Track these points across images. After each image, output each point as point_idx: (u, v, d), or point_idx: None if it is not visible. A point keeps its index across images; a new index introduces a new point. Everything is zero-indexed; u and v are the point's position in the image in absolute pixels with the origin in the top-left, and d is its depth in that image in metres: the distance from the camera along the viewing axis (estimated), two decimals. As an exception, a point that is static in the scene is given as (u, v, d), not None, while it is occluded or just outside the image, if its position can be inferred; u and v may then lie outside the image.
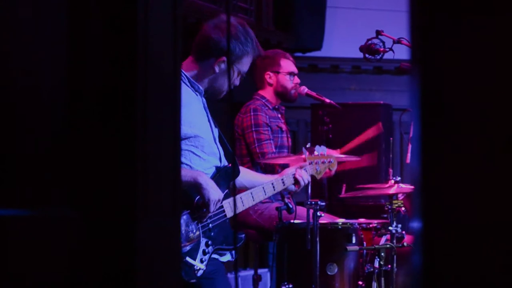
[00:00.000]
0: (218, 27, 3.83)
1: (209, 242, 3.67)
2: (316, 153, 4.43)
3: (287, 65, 5.86)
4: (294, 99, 5.93)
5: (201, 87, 3.82)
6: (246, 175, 4.04)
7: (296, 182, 4.12)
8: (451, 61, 1.71)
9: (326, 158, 4.45)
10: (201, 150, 3.71)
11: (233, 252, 3.82)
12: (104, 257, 2.35)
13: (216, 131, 3.86)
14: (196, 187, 3.60)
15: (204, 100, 3.86)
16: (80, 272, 2.36)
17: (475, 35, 1.70)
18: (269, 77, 5.82)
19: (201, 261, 3.63)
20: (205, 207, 3.61)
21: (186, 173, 3.55)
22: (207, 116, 3.85)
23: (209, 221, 3.68)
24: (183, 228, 3.59)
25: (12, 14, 2.42)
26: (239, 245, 3.87)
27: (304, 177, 4.13)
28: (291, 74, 5.84)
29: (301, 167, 4.23)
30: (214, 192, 3.62)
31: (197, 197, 3.61)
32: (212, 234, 3.68)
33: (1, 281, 2.35)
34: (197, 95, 3.81)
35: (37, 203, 2.40)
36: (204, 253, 3.64)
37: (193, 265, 3.59)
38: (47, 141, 2.41)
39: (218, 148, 3.82)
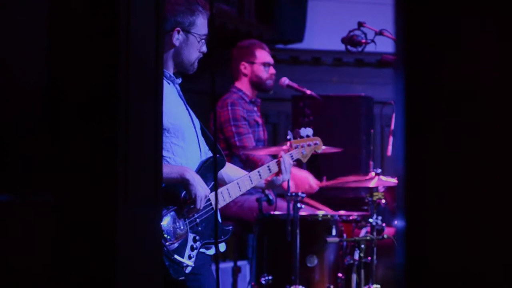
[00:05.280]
0: None
1: (197, 237, 3.63)
2: (301, 135, 4.36)
3: (262, 55, 5.86)
4: (270, 89, 5.93)
5: (168, 73, 3.72)
6: (227, 170, 3.96)
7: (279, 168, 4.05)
8: (436, 57, 1.71)
9: (311, 141, 4.39)
10: (181, 140, 3.65)
11: (219, 245, 3.76)
12: (84, 243, 2.36)
13: (197, 121, 3.81)
14: (183, 183, 3.55)
15: (178, 87, 3.78)
16: (60, 257, 2.37)
17: (461, 31, 1.70)
18: (244, 67, 5.83)
19: (189, 257, 3.59)
20: (193, 204, 3.57)
21: (172, 170, 3.52)
22: (184, 104, 3.78)
23: (196, 216, 3.64)
24: (170, 225, 3.54)
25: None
26: (227, 237, 3.80)
27: (286, 161, 4.05)
28: (266, 64, 5.84)
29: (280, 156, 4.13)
30: (201, 189, 3.57)
31: (183, 193, 3.57)
32: (199, 228, 3.65)
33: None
34: (169, 83, 3.73)
35: (18, 189, 2.41)
36: (192, 248, 3.60)
37: (182, 262, 3.55)
38: (29, 129, 2.42)
39: (198, 137, 3.76)
